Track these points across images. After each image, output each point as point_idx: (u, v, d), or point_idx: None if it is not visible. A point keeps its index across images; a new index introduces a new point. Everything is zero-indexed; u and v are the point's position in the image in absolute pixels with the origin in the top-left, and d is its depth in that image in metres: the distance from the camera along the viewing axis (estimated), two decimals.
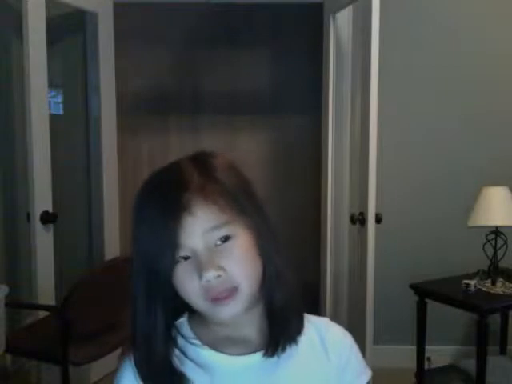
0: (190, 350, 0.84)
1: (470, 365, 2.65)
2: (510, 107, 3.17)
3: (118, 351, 2.55)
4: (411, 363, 2.85)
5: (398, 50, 3.12)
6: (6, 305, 2.14)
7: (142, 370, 0.82)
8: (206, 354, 0.84)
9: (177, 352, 0.83)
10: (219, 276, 0.77)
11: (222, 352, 0.84)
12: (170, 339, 0.83)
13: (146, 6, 3.77)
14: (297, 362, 0.86)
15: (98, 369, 2.96)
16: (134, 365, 0.82)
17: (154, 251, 0.77)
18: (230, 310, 0.79)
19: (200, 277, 0.76)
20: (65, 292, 2.35)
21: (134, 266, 0.81)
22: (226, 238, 0.78)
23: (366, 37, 2.57)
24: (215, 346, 0.84)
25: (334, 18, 2.99)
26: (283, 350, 0.83)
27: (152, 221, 0.77)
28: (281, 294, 0.83)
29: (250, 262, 0.80)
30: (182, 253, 0.77)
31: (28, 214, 2.66)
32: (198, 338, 0.85)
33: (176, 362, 0.82)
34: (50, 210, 2.71)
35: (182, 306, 0.84)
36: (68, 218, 3.10)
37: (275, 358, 0.84)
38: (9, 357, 2.93)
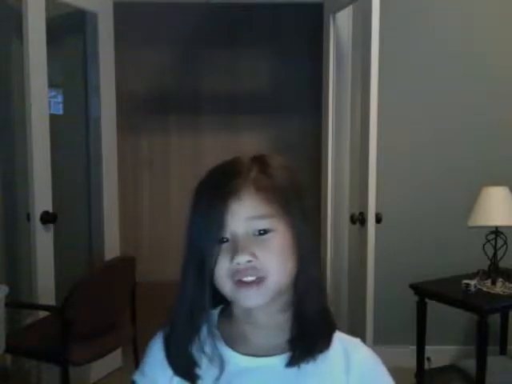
0: (210, 339, 0.86)
1: (470, 365, 2.64)
2: (511, 107, 3.17)
3: (119, 351, 2.55)
4: (411, 363, 2.85)
5: (397, 50, 3.12)
6: (6, 305, 2.14)
7: (169, 346, 0.86)
8: (222, 348, 0.86)
9: (197, 339, 0.85)
10: (250, 261, 0.80)
11: (235, 350, 0.85)
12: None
13: (145, 6, 3.77)
14: (316, 380, 0.84)
15: (98, 369, 2.95)
16: (163, 339, 0.87)
17: (202, 232, 0.82)
18: (253, 299, 0.81)
19: (232, 259, 0.80)
20: (65, 292, 2.35)
21: (185, 250, 0.85)
22: (265, 231, 0.81)
23: (366, 37, 2.57)
24: (232, 343, 0.86)
25: (333, 18, 2.99)
26: (299, 361, 0.82)
27: (205, 204, 0.83)
28: (311, 304, 0.84)
29: (282, 259, 0.82)
30: (223, 234, 0.81)
31: (28, 214, 2.67)
32: (221, 331, 0.88)
33: (193, 348, 0.85)
34: (50, 210, 2.71)
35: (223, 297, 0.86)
36: (68, 217, 3.09)
37: (292, 372, 0.83)
38: (9, 357, 2.92)
